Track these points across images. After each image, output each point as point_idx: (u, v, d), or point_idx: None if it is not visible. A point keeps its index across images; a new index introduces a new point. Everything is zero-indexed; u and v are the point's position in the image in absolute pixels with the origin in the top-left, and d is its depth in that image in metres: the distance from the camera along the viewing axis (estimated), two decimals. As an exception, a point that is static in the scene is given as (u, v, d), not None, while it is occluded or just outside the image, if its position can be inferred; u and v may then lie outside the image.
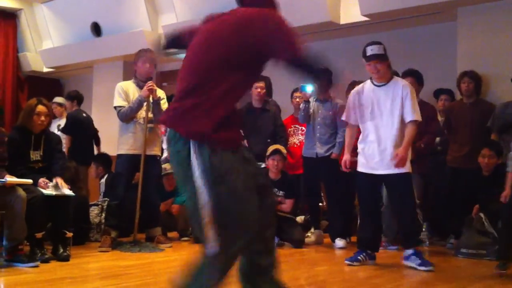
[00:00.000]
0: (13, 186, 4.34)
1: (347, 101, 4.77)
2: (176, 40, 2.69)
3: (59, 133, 6.99)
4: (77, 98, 7.42)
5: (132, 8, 8.67)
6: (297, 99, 6.42)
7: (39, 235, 4.48)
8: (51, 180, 4.71)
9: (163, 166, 6.07)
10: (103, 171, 6.41)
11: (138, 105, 5.31)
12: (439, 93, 6.29)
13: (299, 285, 3.75)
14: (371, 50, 4.43)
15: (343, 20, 6.97)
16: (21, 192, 4.33)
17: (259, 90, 6.28)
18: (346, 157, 4.67)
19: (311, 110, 5.78)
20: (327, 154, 5.69)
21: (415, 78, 5.62)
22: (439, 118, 6.00)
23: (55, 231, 4.72)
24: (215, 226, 2.09)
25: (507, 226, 4.31)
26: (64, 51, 9.66)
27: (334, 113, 5.70)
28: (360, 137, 4.61)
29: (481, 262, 4.72)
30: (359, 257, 4.51)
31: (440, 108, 6.17)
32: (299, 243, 5.57)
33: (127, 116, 5.33)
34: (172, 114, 2.30)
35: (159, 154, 5.82)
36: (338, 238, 5.59)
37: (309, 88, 5.67)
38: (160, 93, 5.50)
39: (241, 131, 2.26)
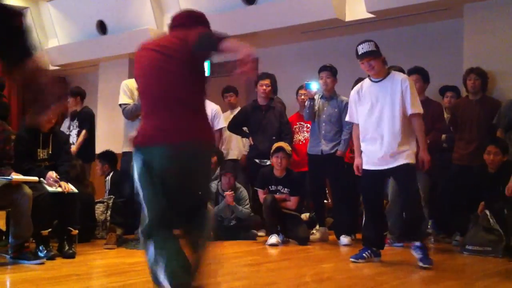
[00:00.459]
0: (19, 184, 4.35)
1: (349, 102, 4.75)
2: None
3: (73, 131, 7.01)
4: (80, 94, 7.42)
5: (138, 6, 8.68)
6: (302, 97, 6.41)
7: (45, 232, 4.50)
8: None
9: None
10: (108, 169, 6.42)
11: (143, 102, 5.30)
12: (445, 90, 6.27)
13: (304, 282, 3.75)
14: (362, 49, 4.42)
15: (348, 17, 6.96)
16: (27, 190, 4.35)
17: (264, 87, 6.29)
18: (358, 161, 4.60)
19: (316, 108, 5.77)
20: (332, 151, 5.69)
21: (421, 75, 5.60)
22: (445, 115, 5.98)
23: (61, 228, 4.74)
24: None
25: None
26: (70, 49, 9.67)
27: (340, 111, 5.70)
28: (362, 136, 4.56)
29: (487, 259, 4.71)
30: (364, 254, 4.50)
31: (446, 105, 6.15)
32: (304, 240, 5.57)
33: (132, 113, 5.33)
34: None
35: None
36: (343, 235, 5.58)
37: (314, 86, 5.67)
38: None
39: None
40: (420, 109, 4.40)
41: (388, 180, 5.02)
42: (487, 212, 5.04)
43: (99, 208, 5.92)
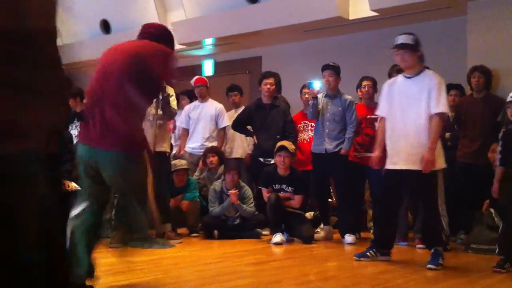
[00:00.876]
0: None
1: (380, 94, 4.68)
2: None
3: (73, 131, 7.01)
4: (79, 94, 7.42)
5: (141, 5, 8.70)
6: (306, 95, 6.39)
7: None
8: None
9: (172, 162, 6.09)
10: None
11: (147, 101, 5.31)
12: (449, 88, 6.21)
13: (309, 281, 3.76)
14: (399, 40, 4.38)
15: (352, 16, 6.95)
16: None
17: (268, 86, 6.29)
18: (377, 153, 4.51)
19: (320, 106, 5.77)
20: (336, 150, 5.68)
21: (425, 73, 5.58)
22: (449, 113, 5.96)
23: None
24: None
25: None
26: (73, 49, 9.68)
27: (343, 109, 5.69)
28: (388, 132, 4.45)
29: (491, 257, 4.68)
30: (367, 253, 4.49)
31: (450, 103, 6.13)
32: (308, 239, 5.57)
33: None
34: None
35: (168, 150, 5.83)
36: (348, 234, 5.58)
37: (317, 85, 5.67)
38: (169, 90, 5.51)
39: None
40: (444, 109, 4.25)
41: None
42: (492, 210, 5.04)
43: (103, 207, 5.92)
